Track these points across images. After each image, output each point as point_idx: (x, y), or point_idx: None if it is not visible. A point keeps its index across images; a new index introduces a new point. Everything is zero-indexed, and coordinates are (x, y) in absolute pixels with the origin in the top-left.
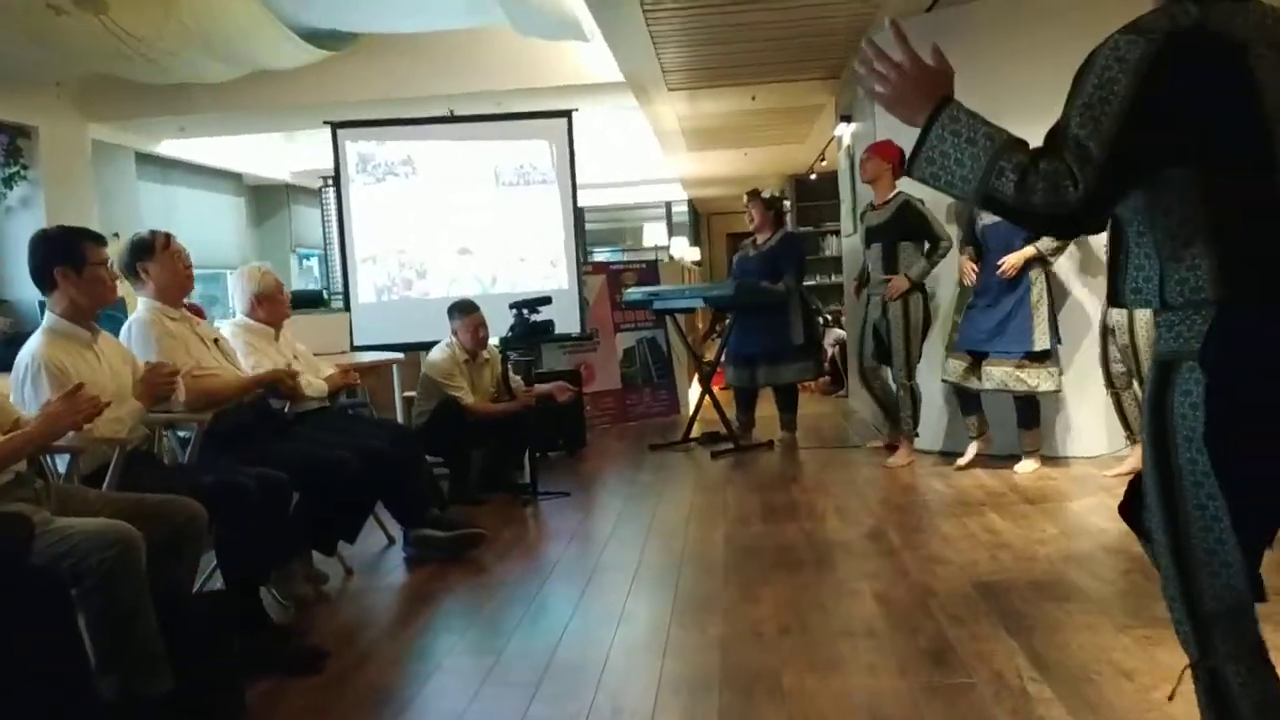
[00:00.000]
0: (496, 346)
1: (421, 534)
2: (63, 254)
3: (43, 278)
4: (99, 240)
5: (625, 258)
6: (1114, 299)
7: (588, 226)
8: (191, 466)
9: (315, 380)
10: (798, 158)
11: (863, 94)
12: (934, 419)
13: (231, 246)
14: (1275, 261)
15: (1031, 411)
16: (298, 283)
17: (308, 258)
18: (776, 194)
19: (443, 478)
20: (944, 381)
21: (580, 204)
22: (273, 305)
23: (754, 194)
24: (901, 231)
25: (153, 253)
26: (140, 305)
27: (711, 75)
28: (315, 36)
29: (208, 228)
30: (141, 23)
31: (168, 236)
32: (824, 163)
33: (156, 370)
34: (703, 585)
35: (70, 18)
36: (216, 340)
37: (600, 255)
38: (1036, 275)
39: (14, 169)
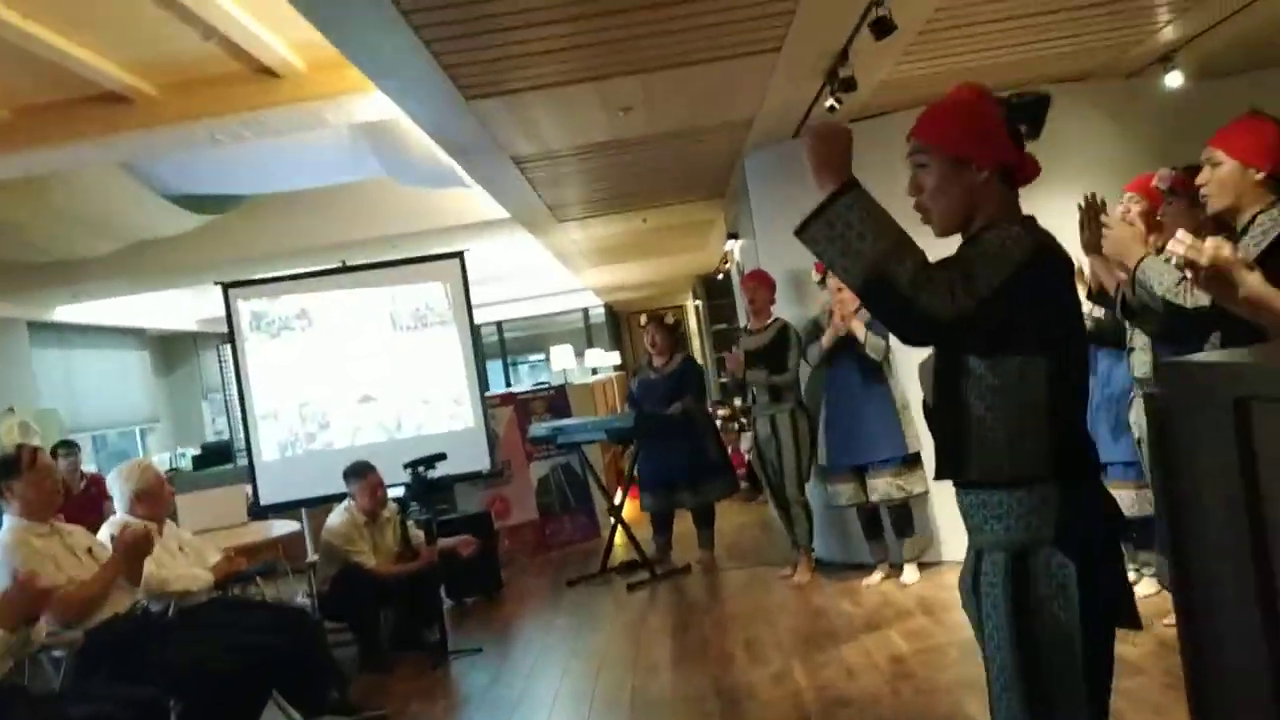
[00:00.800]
0: (395, 503)
1: None
2: None
3: None
4: None
5: (539, 378)
6: (953, 473)
7: (507, 337)
8: (64, 693)
9: (200, 573)
10: (702, 260)
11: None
12: (836, 531)
13: (140, 400)
14: (1087, 446)
15: (908, 518)
16: (211, 431)
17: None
18: (676, 321)
19: (350, 644)
20: (833, 507)
21: (497, 318)
22: (153, 501)
23: (656, 318)
24: (780, 354)
25: (18, 470)
26: (4, 525)
27: (598, 206)
28: (197, 201)
29: (113, 385)
30: (11, 209)
31: (34, 452)
32: (728, 265)
33: (21, 586)
34: None
35: None
36: (90, 549)
37: (524, 365)
38: (893, 379)
39: None
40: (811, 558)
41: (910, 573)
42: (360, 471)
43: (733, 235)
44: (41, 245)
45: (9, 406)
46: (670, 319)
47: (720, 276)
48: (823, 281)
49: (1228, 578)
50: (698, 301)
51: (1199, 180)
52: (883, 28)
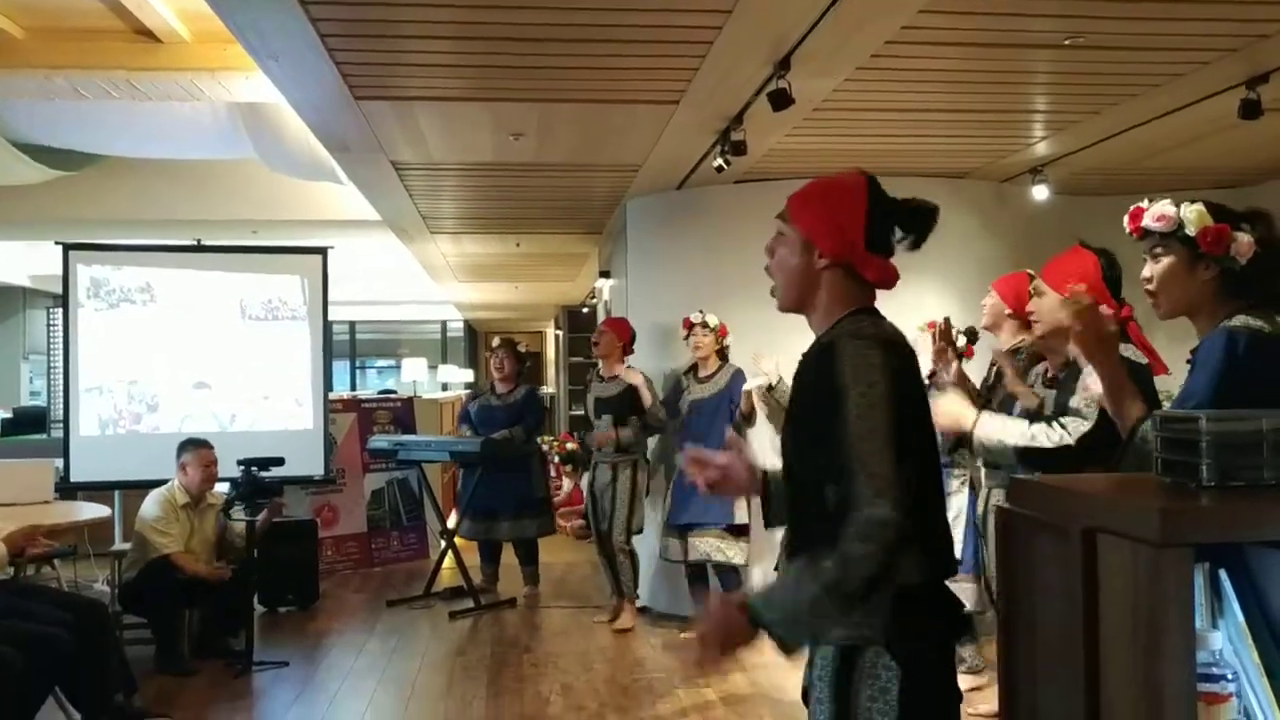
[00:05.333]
0: (223, 495)
1: None
2: None
3: None
4: None
5: (386, 384)
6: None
7: (359, 338)
8: None
9: None
10: (569, 292)
11: (619, 251)
12: (666, 581)
13: None
14: (938, 547)
15: (735, 580)
16: (26, 394)
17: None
18: (528, 351)
19: (147, 641)
20: (665, 560)
21: (351, 318)
22: None
23: (509, 344)
24: (628, 407)
25: None
26: None
27: (473, 224)
28: (48, 154)
29: None
30: None
31: None
32: (594, 300)
33: None
34: None
35: None
36: None
37: (372, 368)
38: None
39: None
40: (635, 605)
41: None
42: (199, 444)
43: (604, 274)
44: None
45: None
46: (524, 346)
47: (585, 310)
48: (688, 337)
49: (1056, 704)
50: (559, 331)
51: (1029, 308)
52: (781, 100)
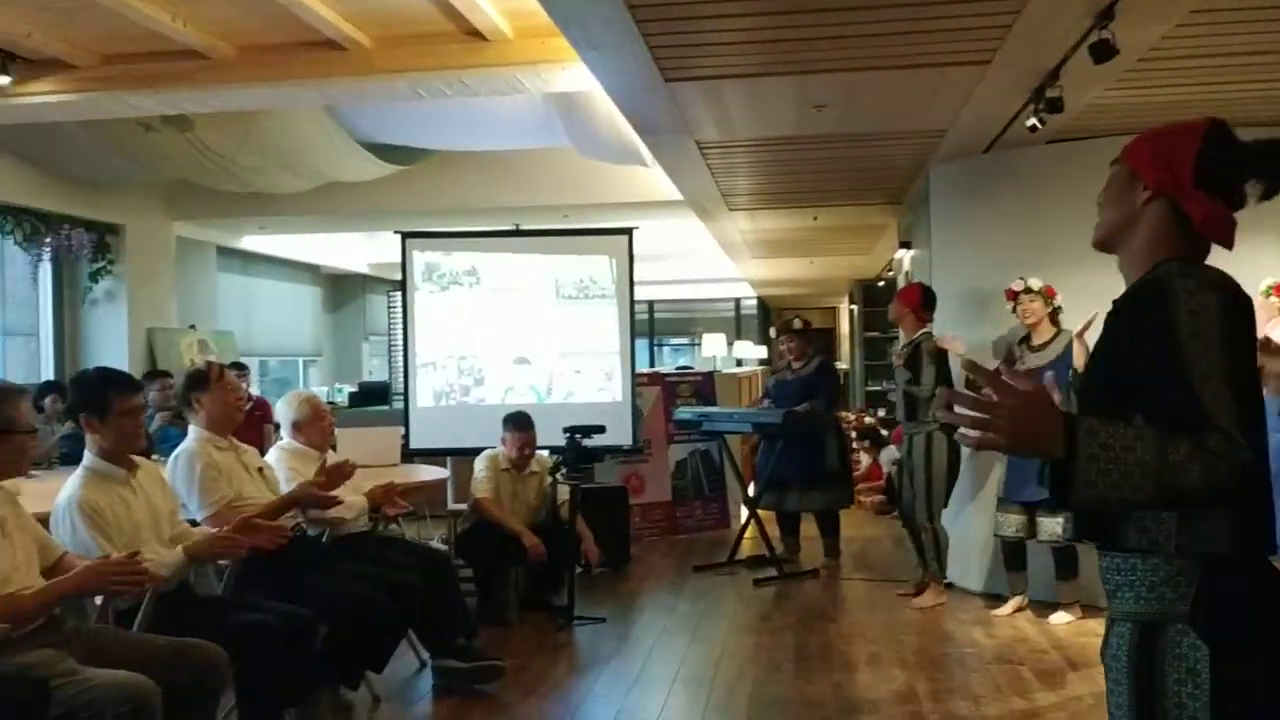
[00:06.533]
0: (551, 459)
1: (443, 664)
2: (90, 401)
3: (74, 418)
4: (130, 388)
5: (681, 361)
6: (1102, 538)
7: (657, 317)
8: (223, 601)
9: (355, 499)
10: (865, 265)
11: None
12: (976, 559)
13: (306, 333)
14: (1268, 525)
15: (1071, 562)
16: (368, 369)
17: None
18: (805, 323)
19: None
20: (997, 536)
21: (649, 298)
22: (312, 430)
23: (786, 328)
24: (912, 372)
25: (206, 384)
26: (190, 435)
27: (771, 199)
28: (387, 151)
29: (285, 316)
30: (223, 140)
31: (221, 369)
32: (892, 272)
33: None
34: None
35: (159, 134)
36: (261, 470)
37: (670, 345)
38: None
39: (100, 264)
40: (940, 584)
41: (1061, 616)
42: (521, 424)
43: (905, 244)
44: (242, 177)
45: (191, 324)
46: (798, 322)
47: (882, 284)
48: (1015, 308)
49: None
50: (853, 306)
51: None
52: (1103, 52)
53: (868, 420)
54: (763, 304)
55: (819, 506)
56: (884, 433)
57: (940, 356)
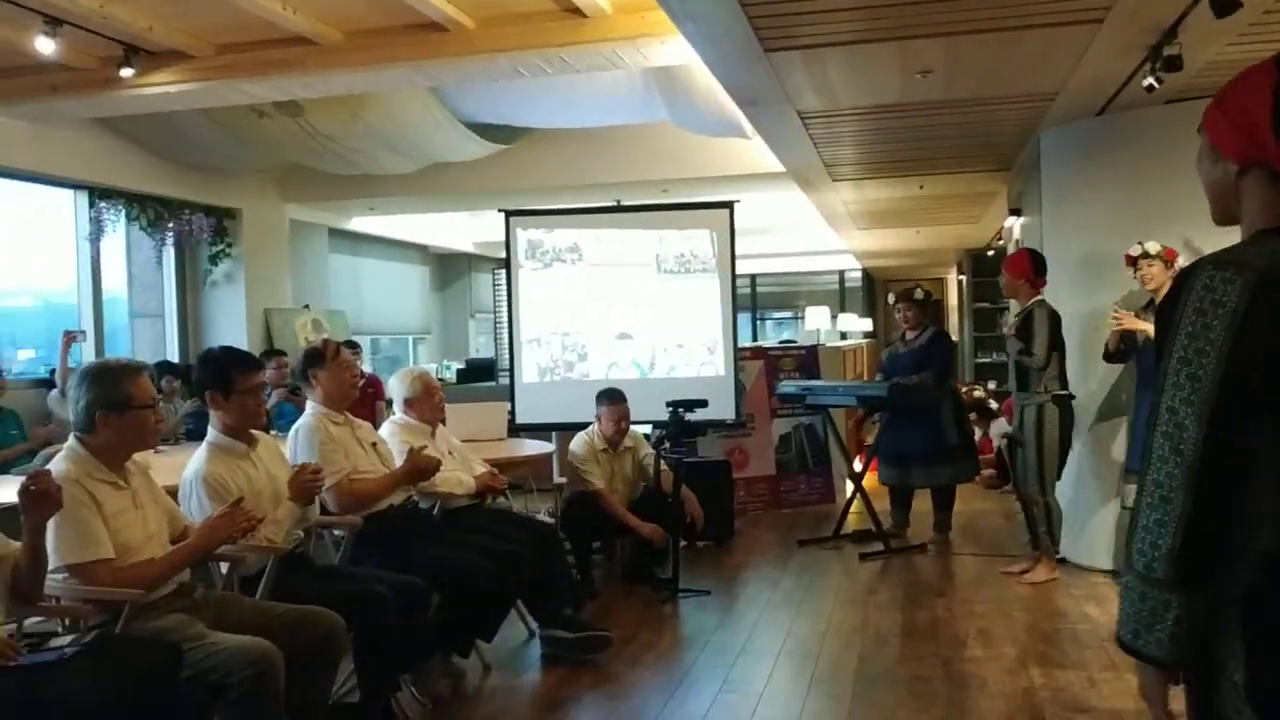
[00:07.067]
0: (651, 434)
1: (551, 634)
2: (214, 378)
3: (199, 395)
4: (252, 366)
5: (784, 335)
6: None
7: (759, 291)
8: (340, 570)
9: (465, 478)
10: (974, 234)
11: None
12: (1091, 533)
13: (415, 312)
14: None
15: None
16: (474, 346)
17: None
18: (927, 293)
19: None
20: (1125, 509)
21: (752, 271)
22: (423, 406)
23: (906, 295)
24: (1024, 342)
25: (323, 361)
26: (307, 410)
27: (875, 169)
28: (489, 131)
29: (394, 295)
30: (332, 124)
31: (338, 347)
32: (1001, 241)
33: (301, 470)
34: (827, 717)
35: (271, 120)
36: (375, 444)
37: (773, 319)
38: None
39: (220, 247)
40: (1053, 559)
41: None
42: (615, 398)
43: (1015, 211)
44: (350, 159)
45: (305, 304)
46: (920, 293)
47: (991, 253)
48: (1136, 273)
49: None
50: (962, 276)
51: None
52: (1225, 5)
53: (976, 394)
54: (868, 276)
55: (944, 481)
56: (994, 405)
57: (1054, 324)
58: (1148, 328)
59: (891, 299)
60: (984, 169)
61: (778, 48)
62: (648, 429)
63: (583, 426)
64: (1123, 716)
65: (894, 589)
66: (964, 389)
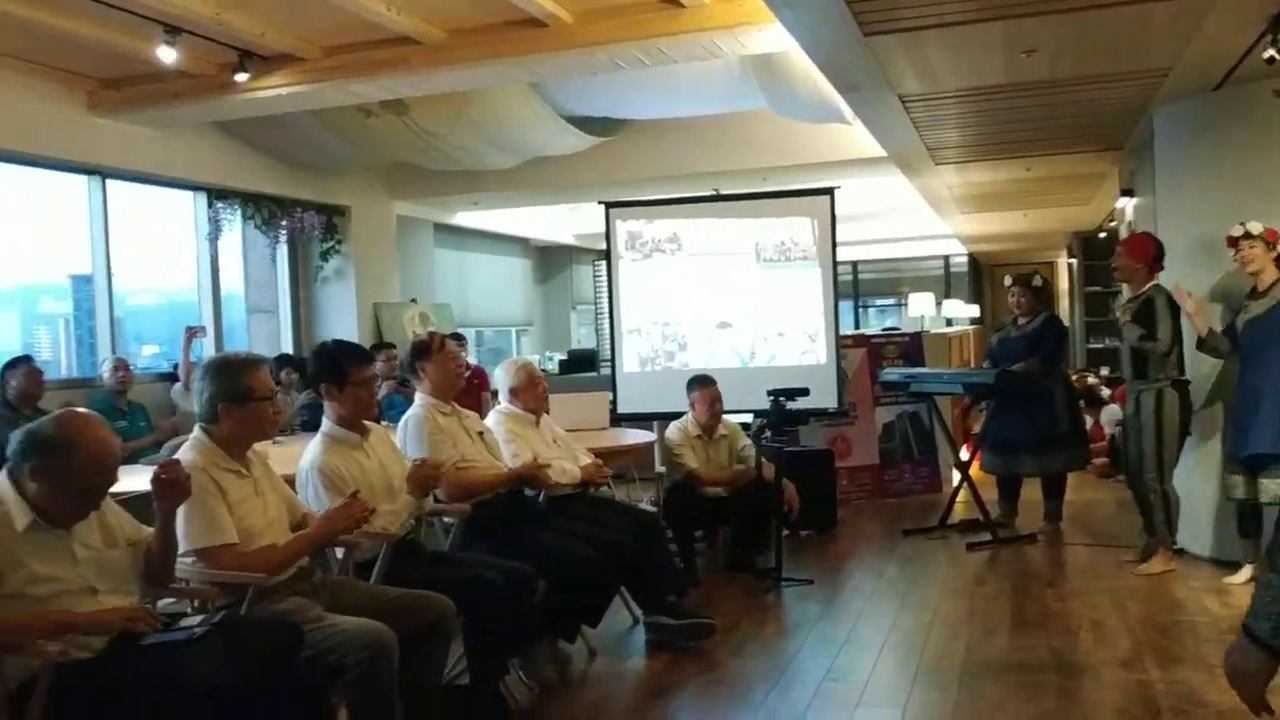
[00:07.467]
0: (752, 424)
1: (655, 621)
2: (328, 371)
3: (314, 387)
4: (365, 359)
5: (887, 322)
6: None
7: (861, 278)
8: (450, 556)
9: (570, 468)
10: (1084, 216)
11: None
12: (1205, 522)
13: (518, 304)
14: None
15: None
16: (576, 337)
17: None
18: (1044, 280)
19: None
20: (1229, 499)
21: (853, 258)
22: (528, 395)
23: (1024, 281)
24: (1145, 322)
25: (429, 354)
26: (416, 401)
27: (980, 151)
28: (588, 124)
29: (497, 288)
30: (436, 121)
31: (443, 339)
32: (1114, 223)
33: (423, 467)
34: (933, 708)
35: (378, 119)
36: (481, 433)
37: (876, 306)
38: None
39: (330, 244)
40: (1169, 550)
41: None
42: (704, 381)
43: (1127, 192)
44: (454, 156)
45: (412, 298)
46: (1038, 280)
47: (1103, 235)
48: (1236, 254)
49: None
50: (1072, 260)
51: None
52: None
53: (1089, 380)
54: (974, 261)
55: (1056, 469)
56: (1106, 392)
57: (1175, 310)
58: (1200, 324)
59: (1008, 280)
60: (1093, 149)
61: (877, 31)
62: (748, 418)
63: (681, 415)
64: (1241, 713)
65: (1002, 579)
66: (1076, 376)
